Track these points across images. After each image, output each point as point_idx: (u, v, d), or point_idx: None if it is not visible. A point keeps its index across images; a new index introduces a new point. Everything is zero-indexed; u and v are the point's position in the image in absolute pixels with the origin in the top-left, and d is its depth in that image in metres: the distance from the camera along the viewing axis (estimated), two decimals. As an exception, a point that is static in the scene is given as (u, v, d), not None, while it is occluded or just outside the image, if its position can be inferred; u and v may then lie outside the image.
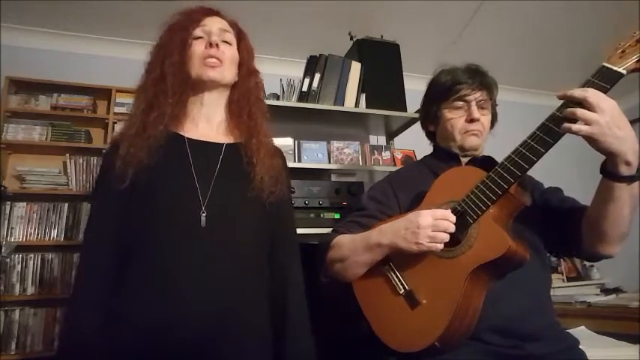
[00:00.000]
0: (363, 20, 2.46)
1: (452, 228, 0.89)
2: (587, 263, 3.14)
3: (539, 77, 3.28)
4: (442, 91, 1.14)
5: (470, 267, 0.88)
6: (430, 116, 1.19)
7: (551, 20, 2.64)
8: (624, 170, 0.81)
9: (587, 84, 0.83)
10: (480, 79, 1.12)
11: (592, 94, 0.79)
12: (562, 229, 1.00)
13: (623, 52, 0.83)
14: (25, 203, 2.25)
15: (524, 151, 0.87)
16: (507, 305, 0.93)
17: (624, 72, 0.82)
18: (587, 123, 0.78)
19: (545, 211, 1.06)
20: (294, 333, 0.94)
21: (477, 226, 0.90)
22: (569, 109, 0.81)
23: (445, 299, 0.88)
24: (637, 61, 0.82)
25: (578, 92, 0.80)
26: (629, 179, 0.82)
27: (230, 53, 1.02)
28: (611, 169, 0.83)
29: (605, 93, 0.80)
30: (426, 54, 2.95)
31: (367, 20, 2.47)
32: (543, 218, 1.04)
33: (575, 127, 0.79)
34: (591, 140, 0.79)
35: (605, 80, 0.81)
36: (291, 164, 1.85)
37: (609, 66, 0.83)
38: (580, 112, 0.79)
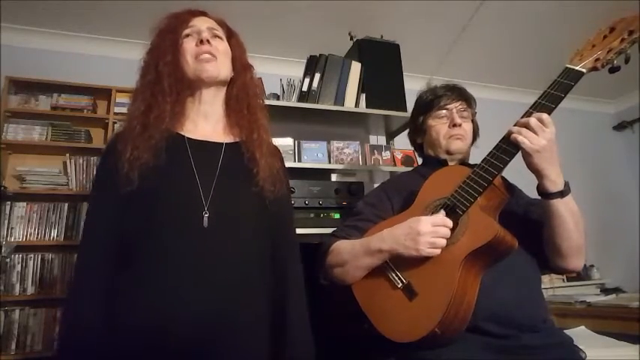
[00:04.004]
0: (363, 20, 2.46)
1: (449, 234, 0.95)
2: (587, 263, 3.14)
3: (539, 77, 3.26)
4: (425, 104, 1.27)
5: (463, 254, 0.92)
6: (417, 128, 1.30)
7: (550, 21, 2.64)
8: (551, 187, 0.95)
9: (554, 83, 0.95)
10: (458, 91, 1.25)
11: (535, 122, 0.92)
12: (533, 246, 1.05)
13: (581, 55, 0.97)
14: (25, 203, 2.25)
15: (504, 146, 0.97)
16: (503, 294, 0.96)
17: (584, 70, 0.95)
18: (530, 141, 0.92)
19: (527, 223, 1.09)
20: (294, 335, 0.94)
21: (466, 218, 0.96)
22: (517, 127, 0.94)
23: (442, 287, 0.91)
24: (594, 61, 0.95)
25: (536, 115, 0.94)
26: (559, 194, 0.95)
27: (223, 47, 1.03)
28: (541, 189, 0.97)
29: (570, 90, 0.94)
30: (426, 54, 2.96)
31: (367, 20, 2.48)
32: (525, 229, 1.07)
33: (520, 138, 0.93)
34: (527, 155, 0.93)
35: (569, 79, 0.95)
36: (291, 164, 1.85)
37: (571, 66, 0.96)
38: (525, 131, 0.93)
